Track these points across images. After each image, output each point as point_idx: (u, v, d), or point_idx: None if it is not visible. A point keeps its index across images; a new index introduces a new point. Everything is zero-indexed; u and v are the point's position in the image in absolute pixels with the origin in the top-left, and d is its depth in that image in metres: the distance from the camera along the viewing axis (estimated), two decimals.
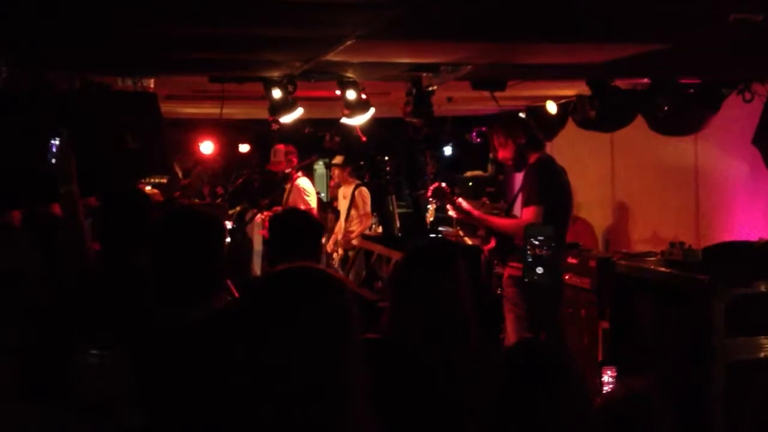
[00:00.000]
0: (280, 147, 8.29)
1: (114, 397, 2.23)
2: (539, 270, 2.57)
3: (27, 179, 3.61)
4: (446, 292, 2.65)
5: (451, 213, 5.37)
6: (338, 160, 8.80)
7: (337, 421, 1.59)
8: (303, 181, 8.35)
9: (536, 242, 2.56)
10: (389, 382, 2.50)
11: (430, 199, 5.65)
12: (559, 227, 5.00)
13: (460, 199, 5.34)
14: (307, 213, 4.18)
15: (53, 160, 3.30)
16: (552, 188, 4.99)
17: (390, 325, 2.68)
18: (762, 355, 4.29)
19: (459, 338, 2.61)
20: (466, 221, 5.43)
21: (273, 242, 3.58)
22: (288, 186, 8.35)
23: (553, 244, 2.59)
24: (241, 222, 7.89)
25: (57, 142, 3.30)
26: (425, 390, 2.51)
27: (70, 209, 3.16)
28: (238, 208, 8.00)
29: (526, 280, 2.63)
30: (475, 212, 5.26)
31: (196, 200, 8.29)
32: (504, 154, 5.21)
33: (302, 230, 3.50)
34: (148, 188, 6.76)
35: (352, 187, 8.61)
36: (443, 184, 5.43)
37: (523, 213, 4.94)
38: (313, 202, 8.26)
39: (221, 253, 2.54)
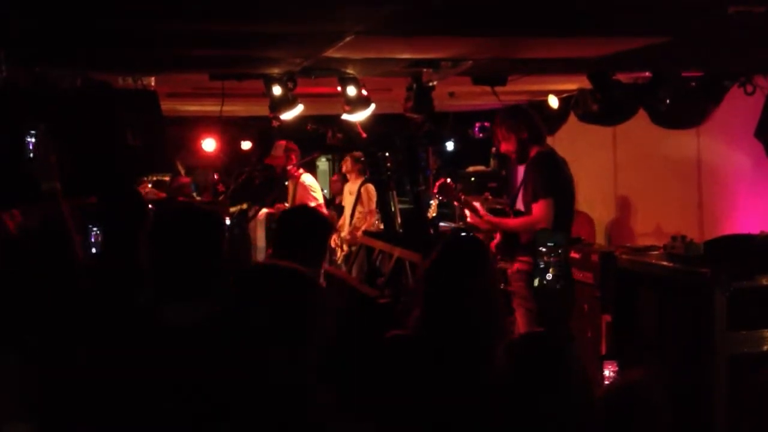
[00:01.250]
0: (282, 143, 8.29)
1: None
2: (549, 275, 2.58)
3: (6, 178, 3.45)
4: (480, 288, 2.64)
5: (468, 216, 5.37)
6: (357, 153, 8.83)
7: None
8: (307, 178, 8.36)
9: (546, 248, 2.57)
10: (419, 378, 2.50)
11: (437, 196, 5.64)
12: (564, 219, 5.01)
13: (477, 204, 5.33)
14: (316, 211, 4.17)
15: (31, 156, 3.17)
16: (557, 180, 4.99)
17: (420, 322, 2.67)
18: (764, 348, 4.29)
19: (491, 334, 2.61)
20: (483, 227, 5.41)
21: (281, 239, 3.55)
22: (291, 184, 8.35)
23: (561, 250, 2.60)
24: (243, 218, 7.90)
25: (33, 139, 3.17)
26: (455, 386, 2.50)
27: (54, 206, 3.07)
28: (244, 206, 8.01)
29: (537, 285, 2.64)
30: (493, 219, 5.22)
31: (198, 198, 8.30)
32: (507, 147, 5.21)
33: (311, 228, 3.50)
34: (149, 186, 6.77)
35: (358, 184, 8.62)
36: (449, 180, 5.43)
37: (533, 209, 4.93)
38: (320, 198, 8.29)
39: (220, 250, 2.52)
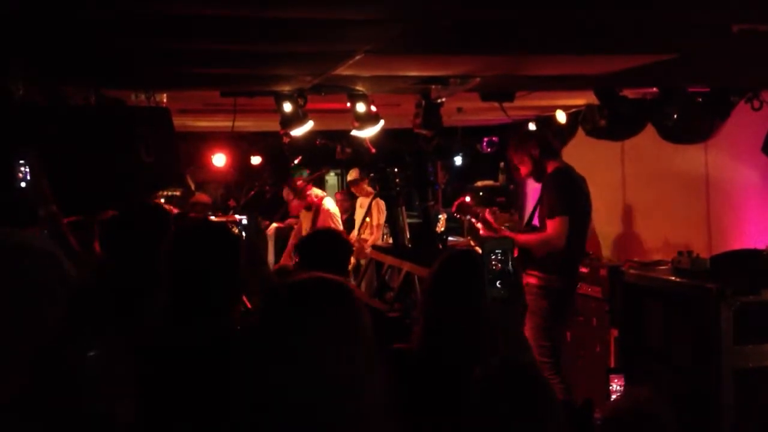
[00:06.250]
0: (299, 184, 8.29)
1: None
2: (498, 284, 2.59)
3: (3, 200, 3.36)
4: (477, 303, 2.64)
5: (480, 229, 5.41)
6: (353, 175, 8.85)
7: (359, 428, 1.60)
8: (329, 204, 8.38)
9: (495, 257, 2.58)
10: (418, 392, 2.52)
11: (455, 214, 5.68)
12: (579, 236, 5.04)
13: (488, 215, 5.37)
14: (336, 234, 4.21)
15: (23, 184, 3.08)
16: (573, 197, 5.02)
17: (421, 336, 2.69)
18: None
19: (488, 349, 2.62)
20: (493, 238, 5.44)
21: (312, 260, 3.56)
22: (312, 209, 8.35)
23: (511, 258, 2.61)
24: (256, 231, 7.93)
25: (26, 168, 3.06)
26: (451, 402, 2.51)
27: (55, 230, 3.05)
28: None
29: (488, 296, 2.66)
30: (507, 233, 5.25)
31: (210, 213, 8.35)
32: (525, 170, 5.27)
33: (341, 249, 3.56)
34: (162, 201, 6.82)
35: (369, 198, 8.65)
36: (467, 199, 5.48)
37: (549, 225, 4.96)
38: (340, 225, 8.32)
39: (238, 266, 2.53)
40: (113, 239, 3.43)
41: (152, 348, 2.31)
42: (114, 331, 2.46)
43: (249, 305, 4.30)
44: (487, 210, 5.50)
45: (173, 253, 2.46)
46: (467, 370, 2.50)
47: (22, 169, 3.11)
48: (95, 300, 2.76)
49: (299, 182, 8.26)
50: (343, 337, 1.64)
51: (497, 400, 2.05)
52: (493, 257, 2.57)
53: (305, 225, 8.38)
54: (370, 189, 8.74)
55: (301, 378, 1.58)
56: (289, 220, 8.78)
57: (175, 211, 6.66)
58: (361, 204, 8.79)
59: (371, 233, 8.47)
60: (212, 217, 6.99)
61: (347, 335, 1.65)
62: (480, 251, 6.05)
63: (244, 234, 6.54)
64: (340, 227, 8.22)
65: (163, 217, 3.50)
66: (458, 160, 10.06)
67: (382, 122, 5.59)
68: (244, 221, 6.91)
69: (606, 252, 7.58)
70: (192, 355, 2.22)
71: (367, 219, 8.42)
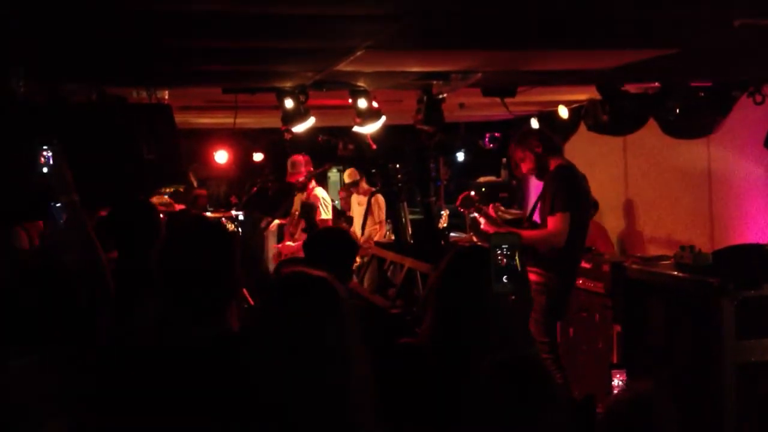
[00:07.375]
0: (299, 159, 8.31)
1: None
2: (505, 279, 2.57)
3: (19, 194, 3.46)
4: (489, 298, 2.64)
5: (482, 224, 5.41)
6: (353, 177, 8.83)
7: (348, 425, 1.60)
8: (320, 191, 8.38)
9: (501, 251, 2.56)
10: (426, 386, 2.52)
11: (459, 208, 5.67)
12: (579, 233, 5.04)
13: (491, 209, 5.36)
14: (341, 232, 4.22)
15: (45, 170, 3.07)
16: (575, 195, 5.01)
17: (430, 331, 2.69)
18: None
19: (499, 345, 2.61)
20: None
21: (318, 258, 3.57)
22: (304, 195, 8.37)
23: (518, 254, 2.59)
24: (254, 228, 7.94)
25: (49, 153, 3.10)
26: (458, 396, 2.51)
27: (74, 219, 3.04)
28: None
29: (494, 291, 2.65)
30: (508, 228, 5.26)
31: (211, 209, 8.36)
32: (527, 167, 5.25)
33: (348, 249, 3.56)
34: (166, 198, 6.83)
35: (367, 195, 8.65)
36: (472, 193, 5.47)
37: (550, 222, 4.95)
38: (330, 213, 8.31)
39: (236, 263, 2.52)
40: (106, 238, 3.42)
41: (150, 348, 2.30)
42: (50, 344, 2.41)
43: (251, 302, 4.30)
44: (491, 205, 5.50)
45: (168, 251, 2.44)
46: (474, 365, 2.51)
47: (45, 154, 3.11)
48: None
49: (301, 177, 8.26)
50: (315, 335, 1.63)
51: (503, 395, 2.05)
52: (500, 252, 2.55)
53: (296, 206, 8.41)
54: (367, 186, 8.74)
55: (281, 376, 1.57)
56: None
57: (179, 207, 6.68)
58: (359, 201, 8.78)
59: (376, 230, 8.47)
60: (208, 213, 7.01)
61: (320, 332, 1.64)
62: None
63: (240, 230, 6.53)
64: (329, 213, 8.22)
65: (155, 216, 3.50)
66: (460, 156, 10.06)
67: (383, 118, 5.59)
68: (241, 217, 6.90)
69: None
70: (190, 356, 2.20)
71: (369, 218, 8.41)
